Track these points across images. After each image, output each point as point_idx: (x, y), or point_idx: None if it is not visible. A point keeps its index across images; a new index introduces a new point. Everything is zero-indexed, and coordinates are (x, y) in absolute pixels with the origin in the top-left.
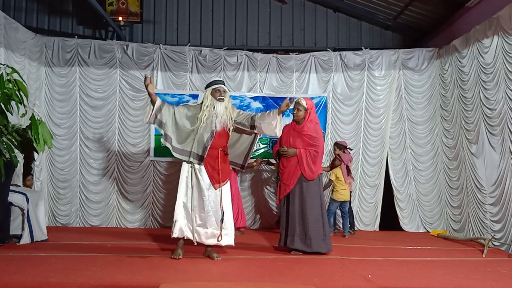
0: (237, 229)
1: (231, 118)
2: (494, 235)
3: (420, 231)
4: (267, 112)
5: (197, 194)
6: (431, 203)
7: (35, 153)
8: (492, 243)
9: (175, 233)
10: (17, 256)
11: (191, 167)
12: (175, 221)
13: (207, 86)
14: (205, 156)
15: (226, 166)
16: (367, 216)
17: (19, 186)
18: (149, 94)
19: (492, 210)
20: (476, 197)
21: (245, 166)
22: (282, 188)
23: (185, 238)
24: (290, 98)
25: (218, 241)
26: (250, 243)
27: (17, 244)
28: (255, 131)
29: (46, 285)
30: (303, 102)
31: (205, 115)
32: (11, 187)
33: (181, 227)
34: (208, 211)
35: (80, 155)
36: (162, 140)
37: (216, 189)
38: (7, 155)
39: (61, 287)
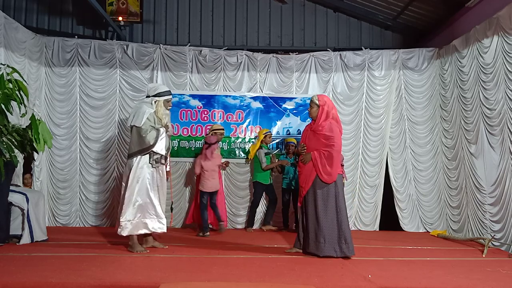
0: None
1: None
2: (494, 235)
3: (420, 231)
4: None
5: (159, 190)
6: (431, 203)
7: (35, 153)
8: (492, 243)
9: (128, 231)
10: (17, 256)
11: (153, 168)
12: (129, 220)
13: (158, 95)
14: (168, 157)
15: None
16: (367, 216)
17: (19, 186)
18: None
19: (492, 210)
20: (476, 197)
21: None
22: (300, 190)
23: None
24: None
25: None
26: (250, 243)
27: (17, 244)
28: None
29: (46, 285)
30: (315, 99)
31: (164, 122)
32: (11, 187)
33: (137, 224)
34: (162, 204)
35: (80, 155)
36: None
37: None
38: (7, 155)
39: (61, 287)
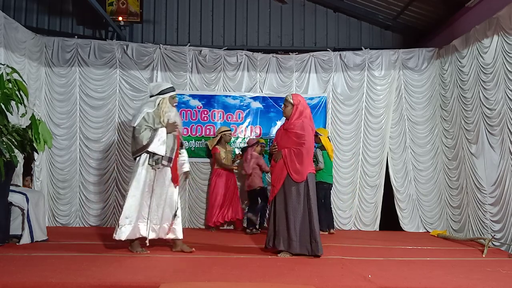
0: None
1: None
2: (494, 235)
3: (420, 231)
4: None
5: (159, 194)
6: (431, 203)
7: (35, 153)
8: (492, 243)
9: (125, 235)
10: (17, 256)
11: (153, 169)
12: (124, 224)
13: (162, 92)
14: (173, 157)
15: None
16: (367, 216)
17: (19, 186)
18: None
19: (492, 210)
20: (476, 197)
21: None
22: (271, 189)
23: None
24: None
25: (174, 234)
26: (250, 243)
27: (17, 244)
28: None
29: (46, 285)
30: (290, 98)
31: (167, 121)
32: (11, 187)
33: (133, 228)
34: (165, 208)
35: (80, 155)
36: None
37: (175, 187)
38: (7, 155)
39: (61, 287)
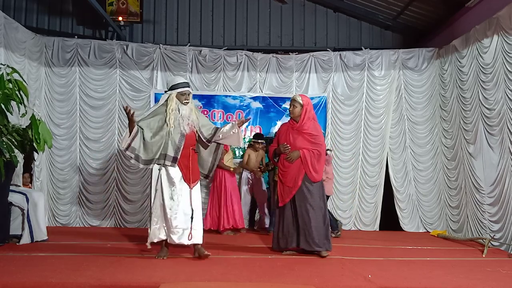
0: (237, 230)
1: (197, 118)
2: (494, 235)
3: (420, 231)
4: (228, 125)
5: (169, 196)
6: (431, 203)
7: (35, 153)
8: (491, 243)
9: (153, 239)
10: (17, 256)
11: (159, 170)
12: (151, 227)
13: (172, 88)
14: (178, 157)
15: (196, 165)
16: (367, 216)
17: (19, 186)
18: (131, 122)
19: (491, 210)
20: (475, 197)
21: (209, 177)
22: (286, 190)
23: (166, 240)
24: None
25: (189, 239)
26: (250, 243)
27: (17, 244)
28: (209, 144)
29: (46, 285)
30: (299, 99)
31: (172, 118)
32: (11, 187)
33: (158, 231)
34: (181, 211)
35: (80, 155)
36: (133, 161)
37: (191, 188)
38: (7, 155)
39: (61, 287)
